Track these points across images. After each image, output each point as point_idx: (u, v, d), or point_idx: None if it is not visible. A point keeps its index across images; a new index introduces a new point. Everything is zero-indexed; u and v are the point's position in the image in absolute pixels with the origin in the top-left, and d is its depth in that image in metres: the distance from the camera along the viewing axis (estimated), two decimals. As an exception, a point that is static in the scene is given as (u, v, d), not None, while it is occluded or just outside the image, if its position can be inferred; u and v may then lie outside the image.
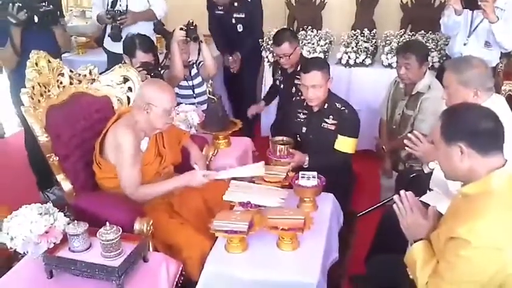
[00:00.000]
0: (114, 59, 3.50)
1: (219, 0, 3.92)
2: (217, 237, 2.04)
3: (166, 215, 2.24)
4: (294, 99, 3.01)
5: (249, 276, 1.90)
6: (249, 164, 2.37)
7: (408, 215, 1.64)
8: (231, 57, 4.02)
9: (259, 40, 4.08)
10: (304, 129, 2.82)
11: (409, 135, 2.34)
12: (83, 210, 2.07)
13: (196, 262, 2.02)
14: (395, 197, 1.67)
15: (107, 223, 1.82)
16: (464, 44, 3.20)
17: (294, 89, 3.28)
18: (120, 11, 3.56)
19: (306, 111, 2.81)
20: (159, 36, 4.08)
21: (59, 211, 1.93)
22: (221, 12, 3.99)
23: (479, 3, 2.88)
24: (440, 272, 1.48)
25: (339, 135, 2.69)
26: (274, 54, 3.45)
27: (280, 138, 2.68)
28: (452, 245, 1.44)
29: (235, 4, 3.91)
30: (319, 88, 2.64)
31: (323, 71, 2.64)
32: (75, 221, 1.88)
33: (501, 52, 3.27)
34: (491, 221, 1.39)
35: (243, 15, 3.94)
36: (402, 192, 1.67)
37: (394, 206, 1.67)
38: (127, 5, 3.59)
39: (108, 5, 3.61)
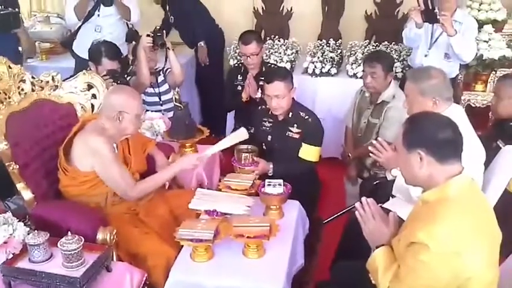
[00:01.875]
0: (81, 65, 3.46)
1: None
2: (182, 245, 2.02)
3: (131, 224, 2.21)
4: (259, 107, 3.02)
5: (215, 285, 1.89)
6: (232, 134, 2.47)
7: (370, 222, 1.68)
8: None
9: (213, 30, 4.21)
10: (269, 138, 2.85)
11: (374, 142, 2.39)
12: (43, 220, 2.01)
13: (162, 271, 2.00)
14: (357, 204, 1.71)
15: (69, 232, 1.78)
16: (425, 56, 3.31)
17: (259, 90, 3.28)
18: None
19: (271, 120, 2.84)
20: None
21: (19, 221, 1.88)
22: None
23: (438, 17, 2.99)
24: (400, 277, 1.52)
25: (303, 144, 2.72)
26: (241, 54, 3.43)
27: (244, 146, 2.69)
28: (412, 250, 1.47)
29: None
30: (282, 98, 2.67)
31: (285, 81, 2.67)
32: (36, 231, 1.83)
33: (460, 64, 3.39)
34: (450, 227, 1.44)
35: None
36: (364, 199, 1.71)
37: (356, 213, 1.71)
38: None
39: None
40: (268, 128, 2.86)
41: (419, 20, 3.08)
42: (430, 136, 1.53)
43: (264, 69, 3.38)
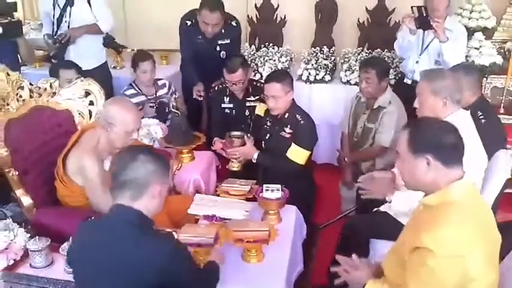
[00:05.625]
0: None
1: (209, 31, 3.44)
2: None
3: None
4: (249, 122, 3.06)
5: (215, 290, 1.89)
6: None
7: (346, 276, 1.79)
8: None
9: None
10: (267, 137, 2.91)
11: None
12: (43, 226, 2.01)
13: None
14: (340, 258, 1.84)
15: (71, 238, 1.78)
16: (417, 62, 3.36)
17: (247, 111, 3.23)
18: (62, 33, 3.52)
19: (271, 120, 2.89)
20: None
21: (19, 227, 1.88)
22: (202, 41, 3.54)
23: (431, 23, 3.05)
24: (406, 282, 1.53)
25: (292, 144, 2.75)
26: (226, 81, 3.19)
27: (236, 133, 2.83)
28: (417, 255, 1.48)
29: (223, 31, 3.51)
30: (279, 98, 2.72)
31: (282, 83, 2.71)
32: (37, 237, 1.83)
33: (450, 71, 3.43)
34: (454, 230, 1.46)
35: (228, 41, 3.59)
36: (339, 258, 1.85)
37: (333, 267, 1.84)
38: (69, 25, 3.56)
39: (54, 23, 3.58)
40: (268, 127, 2.92)
41: (413, 26, 3.14)
42: (437, 141, 1.55)
43: (250, 89, 3.23)
